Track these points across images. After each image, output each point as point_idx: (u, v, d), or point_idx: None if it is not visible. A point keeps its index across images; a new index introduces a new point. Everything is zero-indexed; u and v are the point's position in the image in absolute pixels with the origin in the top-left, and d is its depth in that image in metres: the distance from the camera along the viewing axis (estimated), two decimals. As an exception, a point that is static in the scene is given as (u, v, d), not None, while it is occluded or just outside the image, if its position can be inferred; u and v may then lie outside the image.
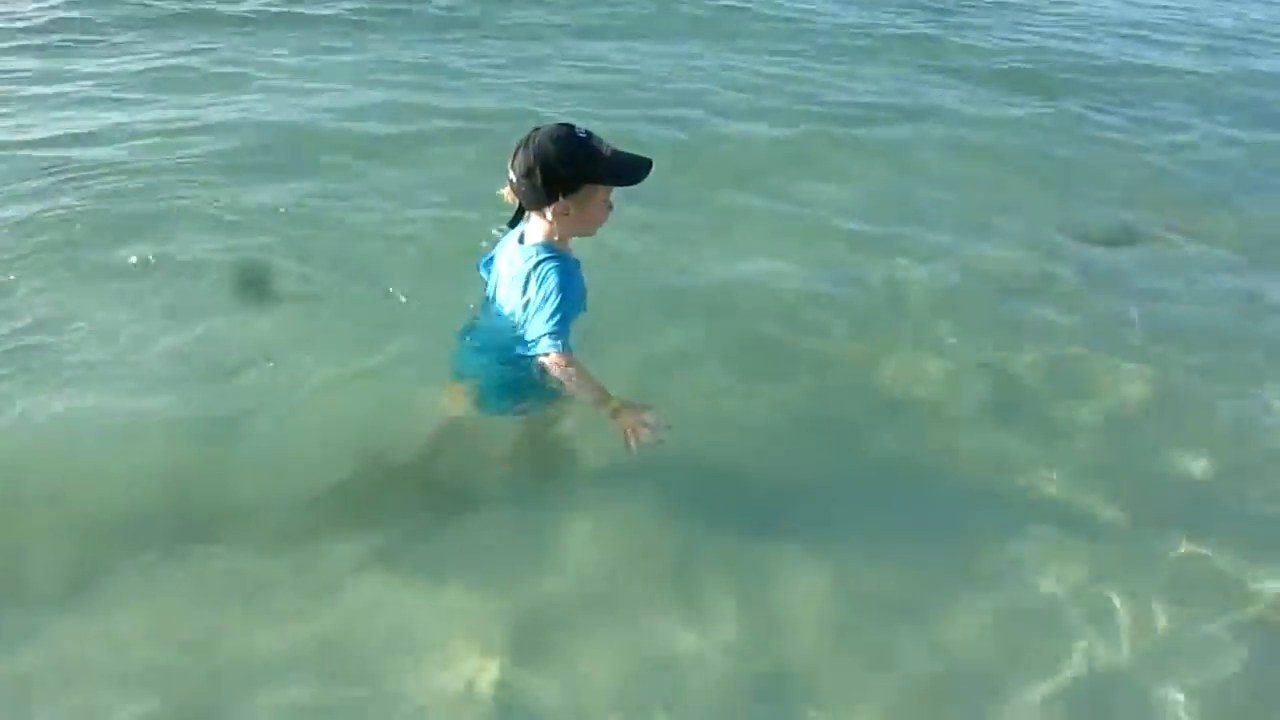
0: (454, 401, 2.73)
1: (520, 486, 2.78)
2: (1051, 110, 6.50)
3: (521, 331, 2.42)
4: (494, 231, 2.70)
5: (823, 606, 2.47)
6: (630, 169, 2.36)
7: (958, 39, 7.97)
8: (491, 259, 2.62)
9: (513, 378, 2.54)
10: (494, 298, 2.56)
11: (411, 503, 2.66)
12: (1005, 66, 7.39)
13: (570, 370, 2.37)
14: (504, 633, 2.29)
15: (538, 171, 2.28)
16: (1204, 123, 6.53)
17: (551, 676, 2.21)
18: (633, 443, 2.39)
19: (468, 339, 2.67)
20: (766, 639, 2.37)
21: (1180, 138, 6.22)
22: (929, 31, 8.18)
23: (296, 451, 2.77)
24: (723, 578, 2.52)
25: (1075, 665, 2.36)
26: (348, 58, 6.21)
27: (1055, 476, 2.96)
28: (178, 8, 6.74)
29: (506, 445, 2.82)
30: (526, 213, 2.44)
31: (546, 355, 2.35)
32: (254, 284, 3.47)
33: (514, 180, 2.34)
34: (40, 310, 3.24)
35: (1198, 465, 3.07)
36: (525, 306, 2.40)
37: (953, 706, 2.28)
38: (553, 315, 2.34)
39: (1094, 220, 4.79)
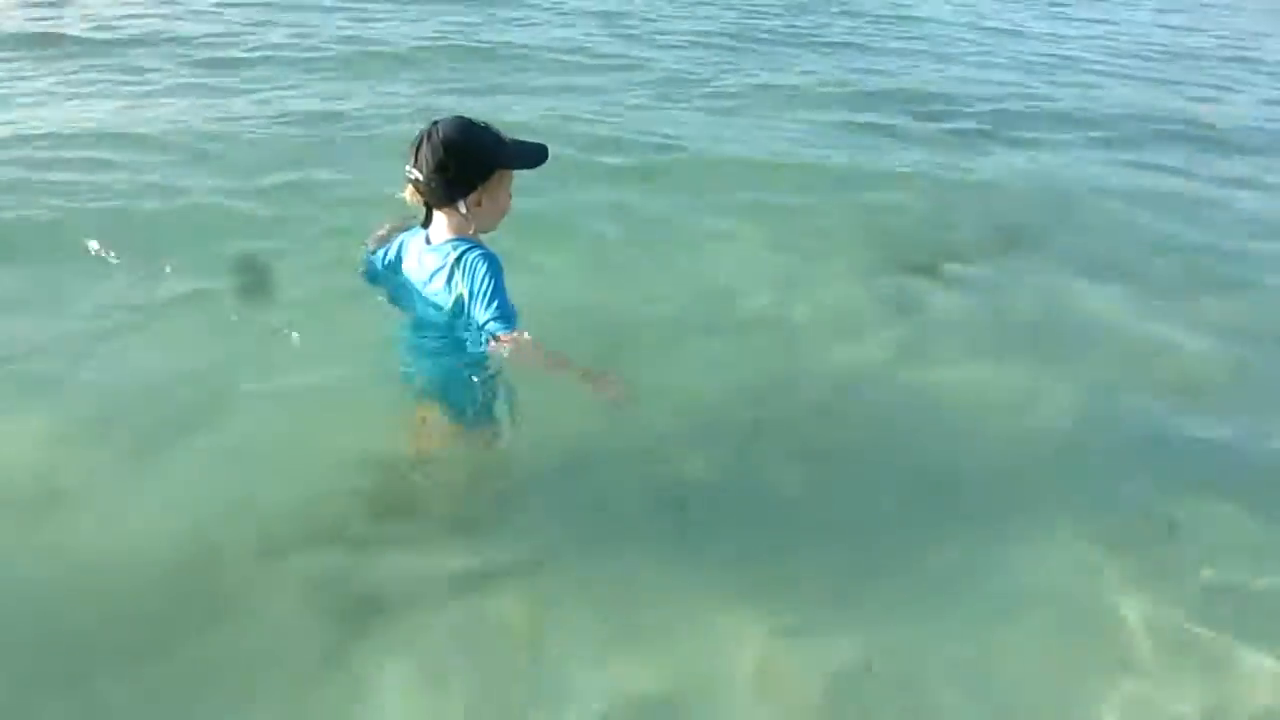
0: (421, 429, 2.69)
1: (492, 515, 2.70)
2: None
3: (460, 326, 2.36)
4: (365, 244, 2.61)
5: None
6: (532, 152, 2.34)
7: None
8: (386, 268, 2.51)
9: (458, 371, 2.48)
10: (412, 301, 2.47)
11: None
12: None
13: (528, 345, 2.30)
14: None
15: (451, 164, 2.22)
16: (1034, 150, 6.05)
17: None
18: (610, 399, 2.38)
19: (406, 353, 2.60)
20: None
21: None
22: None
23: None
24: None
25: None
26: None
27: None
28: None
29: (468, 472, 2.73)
30: (430, 213, 2.36)
31: (499, 339, 2.28)
32: (251, 283, 3.45)
33: (419, 178, 2.26)
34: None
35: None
36: (457, 302, 2.33)
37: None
38: (493, 300, 2.28)
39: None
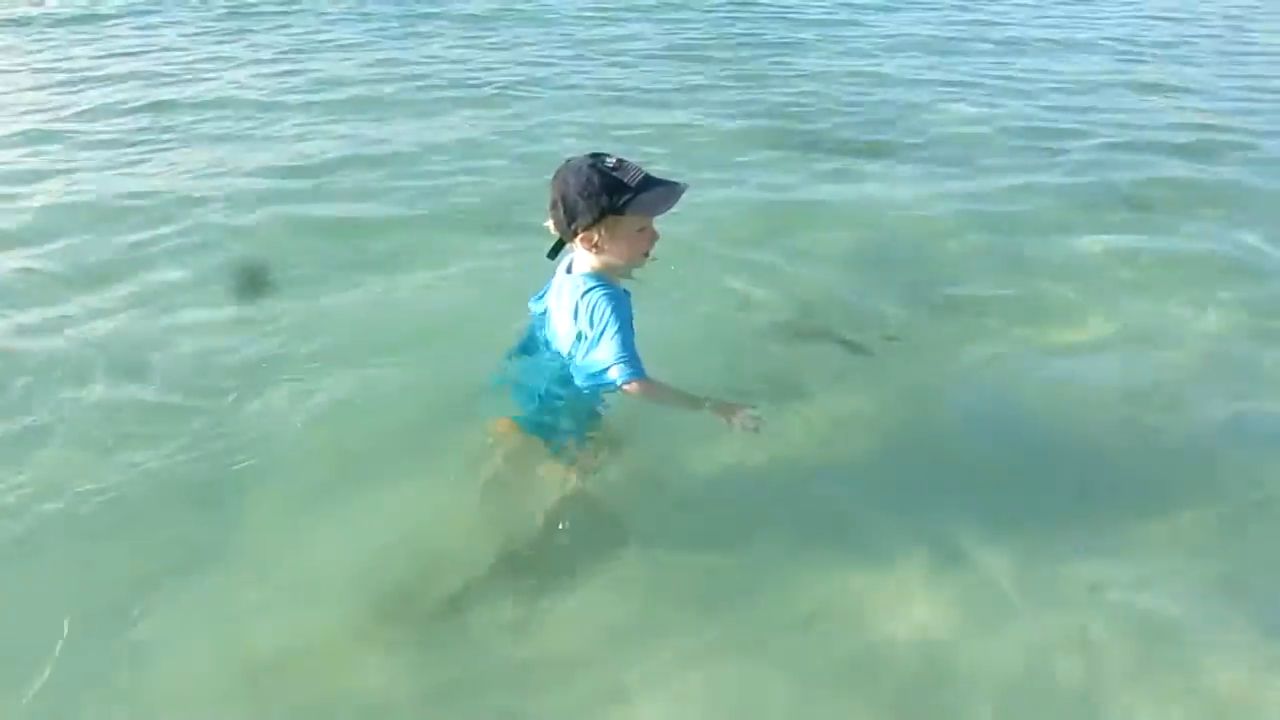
0: (500, 439, 2.69)
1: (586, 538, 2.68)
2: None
3: (575, 361, 2.41)
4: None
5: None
6: (656, 199, 2.30)
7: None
8: (544, 293, 2.59)
9: (558, 407, 2.54)
10: (544, 328, 2.54)
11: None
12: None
13: (654, 392, 2.38)
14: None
15: (560, 204, 2.30)
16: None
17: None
18: (737, 427, 2.49)
19: (510, 376, 2.65)
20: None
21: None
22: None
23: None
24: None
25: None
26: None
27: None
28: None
29: (554, 496, 2.69)
30: (567, 243, 2.42)
31: (627, 385, 2.34)
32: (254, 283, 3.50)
33: (548, 211, 2.36)
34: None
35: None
36: (579, 337, 2.38)
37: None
38: (614, 342, 2.32)
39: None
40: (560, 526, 2.61)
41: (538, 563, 2.53)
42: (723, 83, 7.41)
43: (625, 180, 2.26)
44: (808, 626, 2.40)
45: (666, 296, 3.60)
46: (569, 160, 2.32)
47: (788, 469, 2.93)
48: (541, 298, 2.59)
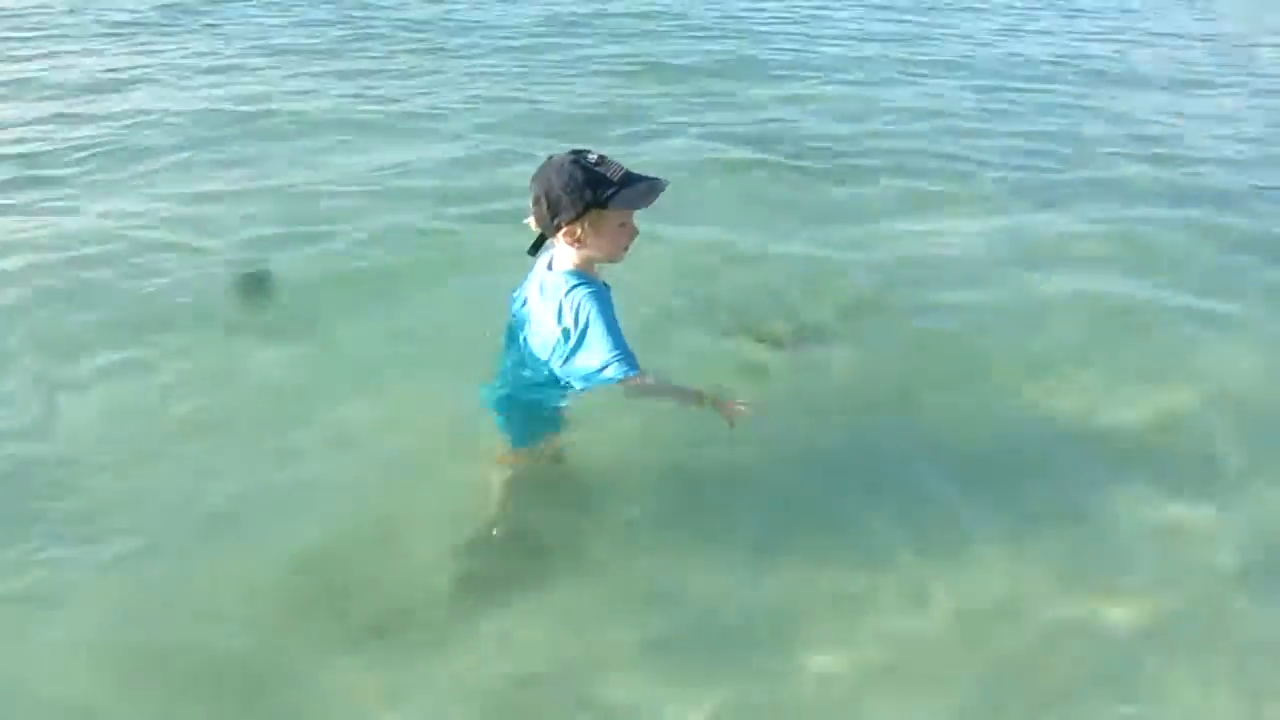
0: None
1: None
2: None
3: (561, 359, 2.42)
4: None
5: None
6: (638, 194, 2.33)
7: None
8: (524, 287, 2.59)
9: (539, 404, 2.57)
10: (525, 324, 2.53)
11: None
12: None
13: (651, 386, 2.41)
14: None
15: (543, 200, 2.31)
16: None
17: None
18: (734, 422, 2.53)
19: (498, 378, 2.65)
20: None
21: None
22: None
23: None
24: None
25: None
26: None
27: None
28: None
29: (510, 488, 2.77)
30: (548, 239, 2.43)
31: (624, 381, 2.35)
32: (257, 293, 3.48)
33: (530, 207, 2.37)
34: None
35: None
36: (565, 335, 2.39)
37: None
38: (606, 341, 2.34)
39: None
40: (511, 519, 2.70)
41: (497, 551, 2.64)
42: (676, 101, 7.32)
43: (608, 175, 2.30)
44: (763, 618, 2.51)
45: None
46: (551, 157, 2.33)
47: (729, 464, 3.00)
48: (521, 294, 2.59)
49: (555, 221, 2.32)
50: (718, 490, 2.93)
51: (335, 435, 3.04)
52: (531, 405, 2.58)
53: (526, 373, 2.53)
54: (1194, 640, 2.49)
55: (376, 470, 2.90)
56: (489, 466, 2.73)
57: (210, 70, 7.30)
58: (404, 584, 2.53)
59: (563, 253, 2.41)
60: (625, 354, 2.34)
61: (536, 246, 2.48)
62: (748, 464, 2.99)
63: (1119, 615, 2.53)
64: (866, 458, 3.17)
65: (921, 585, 2.60)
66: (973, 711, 2.28)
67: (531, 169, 2.35)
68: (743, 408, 2.52)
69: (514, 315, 2.59)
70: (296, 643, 2.35)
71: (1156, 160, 6.28)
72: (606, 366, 2.33)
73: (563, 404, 2.60)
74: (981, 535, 2.78)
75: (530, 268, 2.57)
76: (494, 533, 2.66)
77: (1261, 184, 5.88)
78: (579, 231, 2.33)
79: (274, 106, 6.40)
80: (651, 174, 2.38)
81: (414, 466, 2.91)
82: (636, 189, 2.32)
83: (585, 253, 2.39)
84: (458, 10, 9.79)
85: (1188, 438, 3.29)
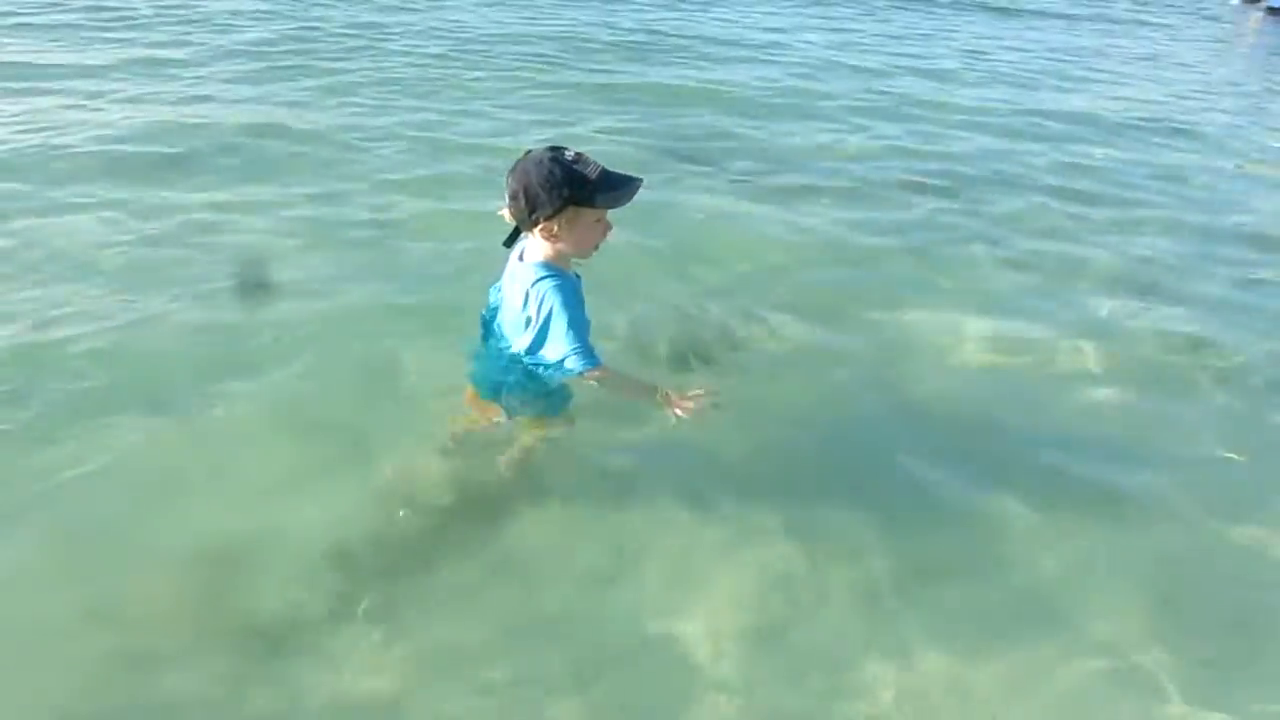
0: (475, 407, 2.85)
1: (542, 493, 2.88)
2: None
3: (524, 346, 2.51)
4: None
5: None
6: (616, 192, 2.40)
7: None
8: (500, 278, 2.69)
9: (526, 385, 2.65)
10: (499, 311, 2.64)
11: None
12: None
13: (607, 380, 2.51)
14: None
15: (521, 195, 2.36)
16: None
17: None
18: (682, 416, 2.56)
19: (480, 358, 2.77)
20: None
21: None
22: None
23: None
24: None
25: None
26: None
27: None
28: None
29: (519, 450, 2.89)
30: (523, 232, 2.51)
31: (584, 374, 2.45)
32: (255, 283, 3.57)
33: (507, 201, 2.43)
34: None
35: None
36: (527, 323, 2.48)
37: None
38: (568, 333, 2.42)
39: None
40: (504, 483, 2.82)
41: (486, 511, 2.74)
42: (607, 107, 7.37)
43: (585, 173, 2.34)
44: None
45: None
46: (529, 152, 2.38)
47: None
48: (498, 283, 2.70)
49: (533, 217, 2.38)
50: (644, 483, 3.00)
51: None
52: (518, 385, 2.65)
53: (496, 358, 2.63)
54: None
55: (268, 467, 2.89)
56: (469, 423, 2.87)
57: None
58: (293, 585, 2.48)
59: (535, 245, 2.48)
60: (583, 348, 2.43)
61: (512, 239, 2.56)
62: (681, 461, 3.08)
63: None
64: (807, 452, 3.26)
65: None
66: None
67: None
68: (689, 404, 2.55)
69: (490, 305, 2.69)
70: (170, 643, 2.29)
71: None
72: (566, 359, 2.43)
73: (539, 386, 2.65)
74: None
75: (505, 260, 2.65)
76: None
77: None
78: (555, 228, 2.39)
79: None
80: (627, 172, 2.42)
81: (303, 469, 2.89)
82: (615, 188, 2.38)
83: (559, 247, 2.46)
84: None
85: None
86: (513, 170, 2.39)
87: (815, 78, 8.87)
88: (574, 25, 10.48)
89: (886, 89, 8.65)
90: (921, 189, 5.90)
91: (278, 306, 3.75)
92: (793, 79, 8.75)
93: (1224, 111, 9.40)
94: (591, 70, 8.46)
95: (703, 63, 9.21)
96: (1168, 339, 4.17)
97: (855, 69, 9.50)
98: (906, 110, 7.91)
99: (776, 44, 10.49)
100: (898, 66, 9.82)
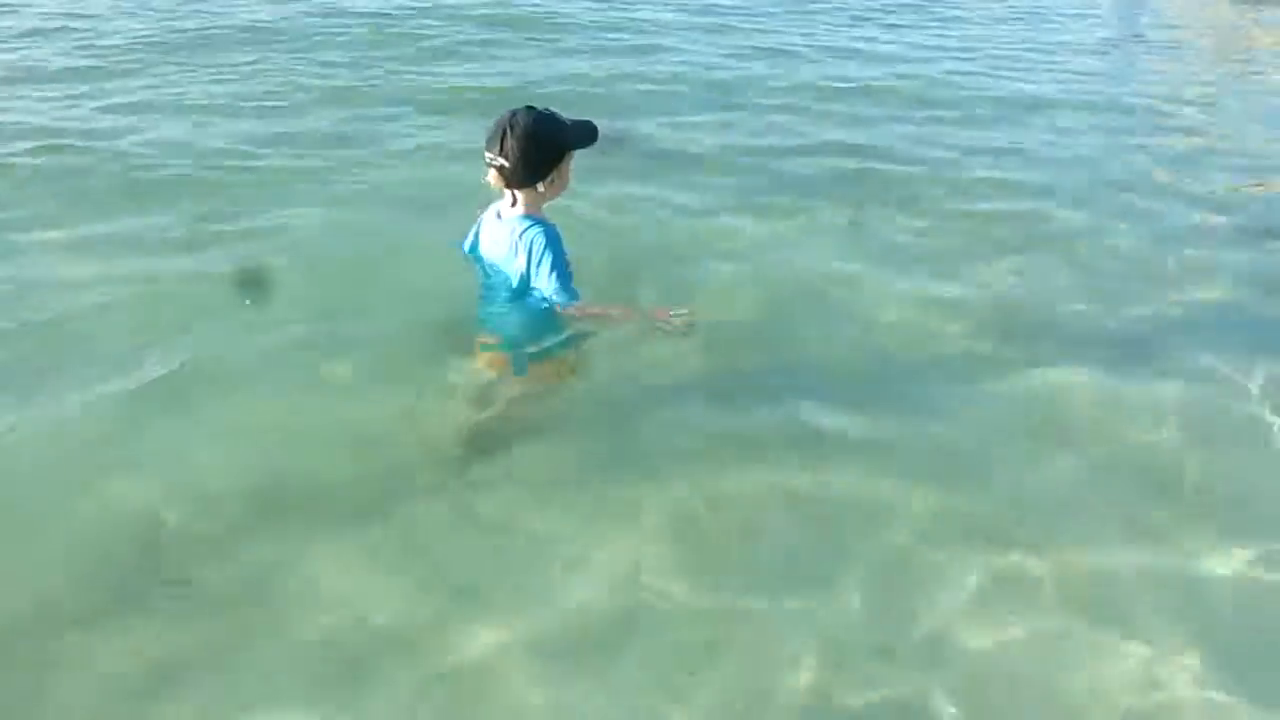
0: (484, 362, 3.03)
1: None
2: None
3: (530, 288, 2.77)
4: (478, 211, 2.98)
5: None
6: (589, 132, 2.71)
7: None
8: (476, 241, 2.94)
9: (528, 321, 2.89)
10: (490, 270, 2.90)
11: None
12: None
13: (589, 311, 2.81)
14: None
15: (534, 152, 2.56)
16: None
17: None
18: (671, 328, 2.81)
19: (483, 307, 3.04)
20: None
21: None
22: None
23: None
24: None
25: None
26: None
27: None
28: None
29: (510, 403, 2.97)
30: (505, 192, 2.72)
31: (566, 309, 2.73)
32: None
33: (503, 165, 2.58)
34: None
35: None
36: (526, 270, 2.76)
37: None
38: (552, 273, 2.69)
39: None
40: (511, 428, 2.92)
41: (489, 454, 2.84)
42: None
43: (567, 122, 2.67)
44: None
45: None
46: (515, 115, 2.53)
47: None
48: (473, 246, 2.93)
49: (546, 168, 2.63)
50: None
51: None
52: (519, 321, 2.90)
53: (500, 300, 2.87)
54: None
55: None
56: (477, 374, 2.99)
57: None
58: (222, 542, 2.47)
59: (519, 200, 2.70)
60: (566, 286, 2.73)
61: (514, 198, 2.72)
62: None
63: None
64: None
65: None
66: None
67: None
68: (679, 321, 2.87)
69: (477, 264, 2.93)
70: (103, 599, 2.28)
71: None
72: (554, 294, 2.73)
73: (541, 329, 2.90)
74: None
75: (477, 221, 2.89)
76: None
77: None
78: (553, 177, 2.69)
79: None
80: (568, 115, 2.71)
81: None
82: (586, 129, 2.70)
83: (548, 196, 2.75)
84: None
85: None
86: (499, 137, 2.54)
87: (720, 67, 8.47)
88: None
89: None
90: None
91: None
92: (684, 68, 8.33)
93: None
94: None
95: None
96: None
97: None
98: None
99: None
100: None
